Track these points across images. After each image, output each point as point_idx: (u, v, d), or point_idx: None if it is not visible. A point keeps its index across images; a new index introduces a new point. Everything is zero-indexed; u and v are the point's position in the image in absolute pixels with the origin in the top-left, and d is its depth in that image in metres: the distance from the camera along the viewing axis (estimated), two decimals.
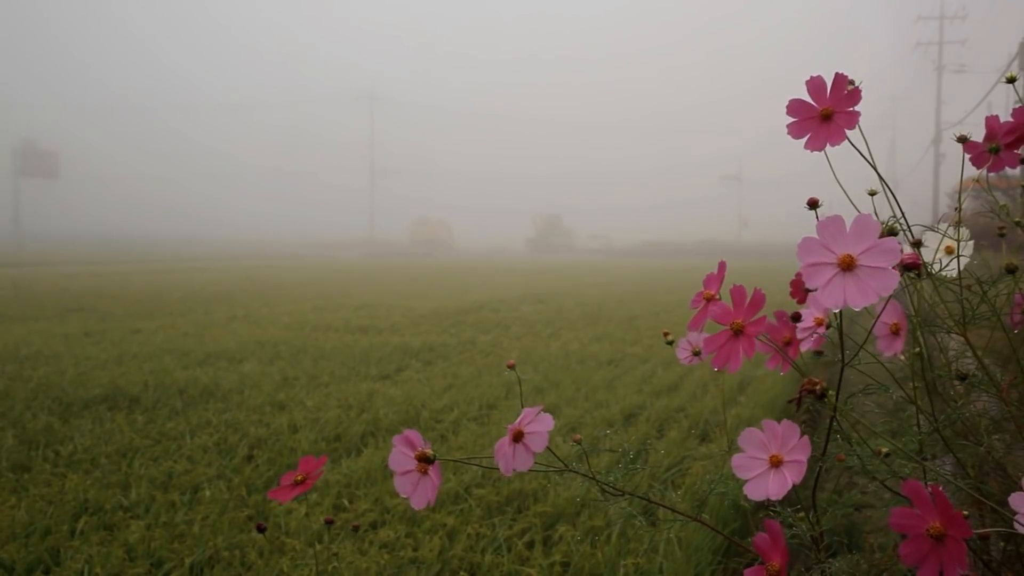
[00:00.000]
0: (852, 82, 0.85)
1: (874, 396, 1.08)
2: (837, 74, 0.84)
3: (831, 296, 0.74)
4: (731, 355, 0.86)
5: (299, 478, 0.95)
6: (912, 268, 0.83)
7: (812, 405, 0.87)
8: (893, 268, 0.73)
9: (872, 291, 0.72)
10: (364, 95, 74.99)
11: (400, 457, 0.86)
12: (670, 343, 1.11)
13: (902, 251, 0.77)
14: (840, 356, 0.93)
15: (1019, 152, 0.99)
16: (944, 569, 0.67)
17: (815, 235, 0.75)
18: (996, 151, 0.99)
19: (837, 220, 0.75)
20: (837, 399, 0.85)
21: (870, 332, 0.94)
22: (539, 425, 0.85)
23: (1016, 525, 0.71)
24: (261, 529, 1.12)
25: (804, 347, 1.03)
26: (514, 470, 0.85)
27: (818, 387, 0.81)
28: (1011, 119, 0.99)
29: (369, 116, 73.64)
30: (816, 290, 0.74)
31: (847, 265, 0.73)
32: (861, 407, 1.07)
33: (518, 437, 0.85)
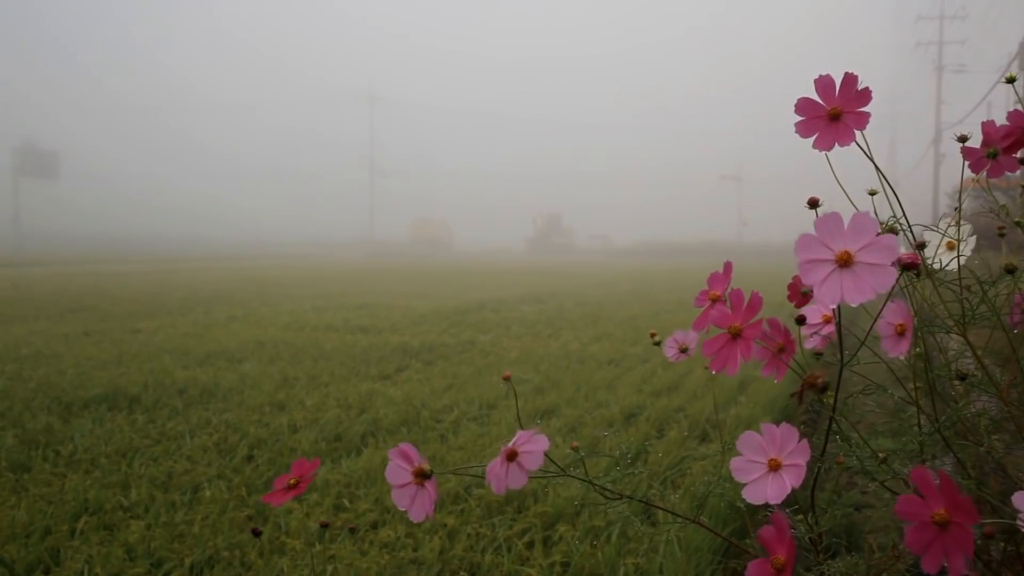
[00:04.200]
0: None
1: (875, 396, 1.08)
2: (847, 74, 0.84)
3: (828, 292, 0.73)
4: (729, 358, 0.86)
5: (292, 482, 0.95)
6: (911, 267, 0.83)
7: (812, 405, 0.87)
8: (891, 265, 0.72)
9: (869, 288, 0.72)
10: (364, 95, 74.95)
11: (396, 470, 0.86)
12: (657, 344, 1.11)
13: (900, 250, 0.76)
14: (839, 356, 0.93)
15: (1017, 155, 0.99)
16: (949, 556, 0.66)
17: (813, 232, 0.75)
18: (994, 156, 0.99)
19: (835, 217, 0.74)
20: (836, 399, 0.85)
21: (868, 332, 0.94)
22: (534, 445, 0.84)
23: (1019, 523, 0.71)
24: (256, 533, 1.12)
25: (809, 345, 1.02)
26: (507, 487, 0.84)
27: (820, 381, 0.81)
28: (1007, 123, 0.99)
29: (369, 116, 73.64)
30: (811, 289, 0.74)
31: (844, 262, 0.73)
32: (862, 407, 1.07)
33: (511, 457, 0.84)
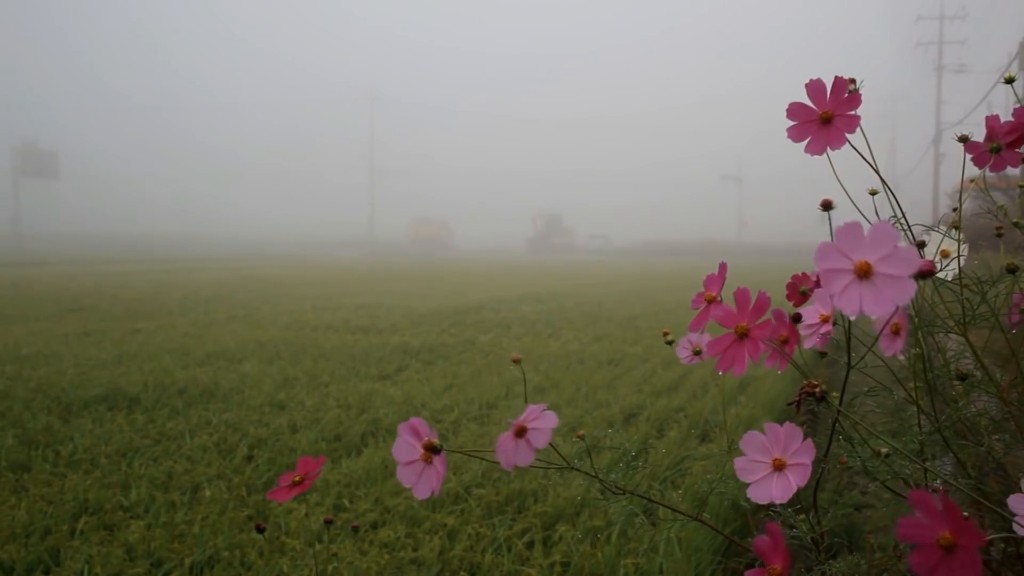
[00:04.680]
0: (853, 80, 0.85)
1: (875, 396, 1.08)
2: (837, 78, 0.84)
3: (848, 303, 0.73)
4: (736, 358, 0.86)
5: (297, 478, 0.95)
6: (927, 275, 0.83)
7: (812, 405, 0.86)
8: (910, 277, 0.72)
9: (888, 300, 0.71)
10: (364, 95, 74.90)
11: (405, 447, 0.84)
12: (670, 343, 1.11)
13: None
14: (845, 357, 0.92)
15: (1020, 151, 1.00)
16: None
17: (832, 240, 0.75)
18: (997, 150, 0.99)
19: (855, 226, 0.74)
20: (842, 400, 0.85)
21: (878, 337, 0.94)
22: (543, 422, 0.84)
23: (1015, 527, 0.71)
24: (260, 529, 1.12)
25: (808, 345, 1.02)
26: (516, 466, 0.83)
27: (818, 389, 0.81)
28: (1012, 119, 0.99)
29: (369, 116, 73.60)
30: (812, 294, 0.74)
31: (864, 273, 0.72)
32: (862, 407, 1.08)
33: (521, 433, 0.84)
